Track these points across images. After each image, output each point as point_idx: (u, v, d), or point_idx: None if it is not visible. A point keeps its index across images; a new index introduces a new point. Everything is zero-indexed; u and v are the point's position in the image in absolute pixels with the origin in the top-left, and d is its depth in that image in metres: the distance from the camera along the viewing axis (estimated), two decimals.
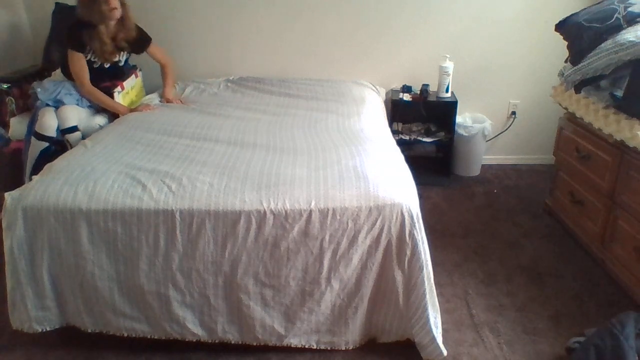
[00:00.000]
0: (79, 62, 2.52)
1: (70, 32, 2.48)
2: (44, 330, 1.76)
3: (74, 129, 2.47)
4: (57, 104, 2.50)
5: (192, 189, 1.67)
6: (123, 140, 2.11)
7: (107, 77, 2.67)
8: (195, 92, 2.93)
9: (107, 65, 2.62)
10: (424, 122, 3.24)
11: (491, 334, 1.86)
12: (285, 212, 1.61)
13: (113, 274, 1.68)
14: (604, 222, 2.17)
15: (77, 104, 2.57)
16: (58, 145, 2.48)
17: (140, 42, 2.71)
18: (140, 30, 2.69)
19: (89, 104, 2.61)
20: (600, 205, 2.20)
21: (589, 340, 1.61)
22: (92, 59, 2.57)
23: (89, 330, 1.77)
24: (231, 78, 3.08)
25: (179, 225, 1.62)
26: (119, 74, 2.74)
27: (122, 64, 2.72)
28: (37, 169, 2.28)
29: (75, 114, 2.50)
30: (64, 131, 2.45)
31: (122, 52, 2.66)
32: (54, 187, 1.69)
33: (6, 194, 1.68)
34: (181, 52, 3.15)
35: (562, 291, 2.11)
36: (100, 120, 2.61)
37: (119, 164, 1.85)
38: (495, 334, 1.86)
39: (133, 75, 2.90)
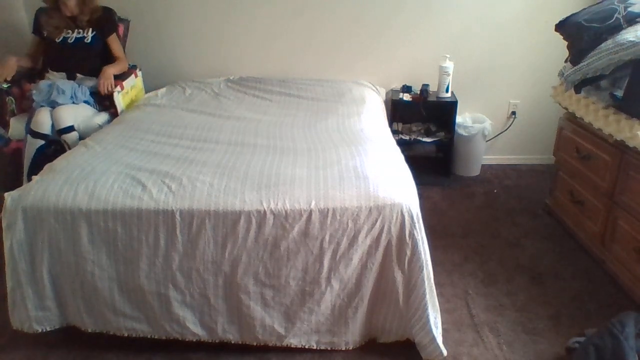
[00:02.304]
0: (32, 44, 2.77)
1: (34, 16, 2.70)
2: (44, 330, 1.76)
3: (70, 129, 2.46)
4: (52, 105, 2.50)
5: (192, 189, 1.67)
6: (123, 141, 2.11)
7: (73, 53, 2.68)
8: (195, 92, 2.93)
9: (70, 40, 2.67)
10: (424, 122, 3.23)
11: (491, 334, 1.86)
12: (285, 212, 1.61)
13: (113, 274, 1.68)
14: (604, 222, 2.17)
15: (73, 102, 2.56)
16: (57, 145, 2.47)
17: (105, 24, 2.74)
18: (109, 14, 2.76)
19: (84, 99, 2.62)
20: (600, 205, 2.20)
21: (589, 340, 1.61)
22: (49, 37, 2.66)
23: (89, 330, 1.77)
24: (231, 78, 3.08)
25: (179, 225, 1.62)
26: (87, 52, 2.72)
27: (88, 41, 2.70)
28: (35, 168, 2.27)
29: (71, 114, 2.49)
30: (60, 131, 2.45)
31: (86, 30, 2.69)
32: (54, 187, 1.69)
33: (6, 194, 1.68)
34: (181, 52, 3.16)
35: (562, 291, 2.11)
36: (100, 119, 2.60)
37: (119, 164, 1.85)
38: (495, 334, 1.86)
39: (133, 75, 2.89)
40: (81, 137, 2.42)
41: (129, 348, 1.78)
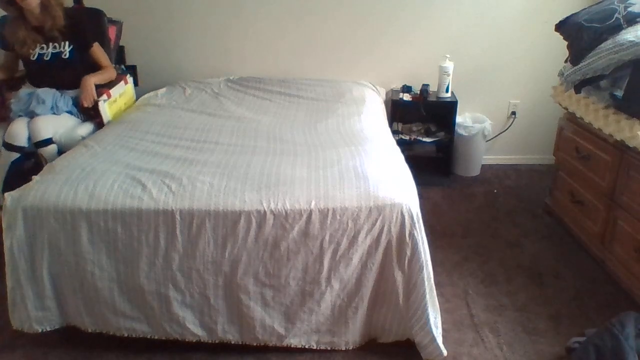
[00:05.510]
0: (5, 57, 2.54)
1: None
2: (44, 330, 1.76)
3: (48, 141, 2.26)
4: (31, 115, 2.31)
5: (192, 189, 1.67)
6: (123, 141, 2.11)
7: (52, 70, 2.46)
8: (195, 92, 2.93)
9: (47, 57, 2.44)
10: (424, 122, 3.23)
11: (491, 334, 1.86)
12: (285, 212, 1.61)
13: (113, 274, 1.68)
14: (604, 222, 2.17)
15: (53, 112, 2.36)
16: (34, 157, 2.29)
17: (82, 35, 2.51)
18: (84, 23, 2.53)
19: (66, 109, 2.42)
20: (600, 205, 2.20)
21: (589, 340, 1.61)
22: (24, 52, 2.43)
23: (89, 330, 1.77)
24: (231, 78, 3.08)
25: (179, 225, 1.62)
26: (67, 67, 2.48)
27: (67, 56, 2.46)
28: (12, 182, 2.06)
29: (50, 125, 2.30)
30: (37, 144, 2.25)
31: (61, 43, 2.46)
32: (54, 187, 1.69)
33: (6, 194, 1.69)
34: (181, 52, 3.15)
35: (562, 291, 2.11)
36: (84, 130, 2.38)
37: (119, 164, 1.85)
38: (495, 334, 1.86)
39: (122, 82, 2.71)
40: (62, 150, 2.22)
41: (129, 348, 1.78)
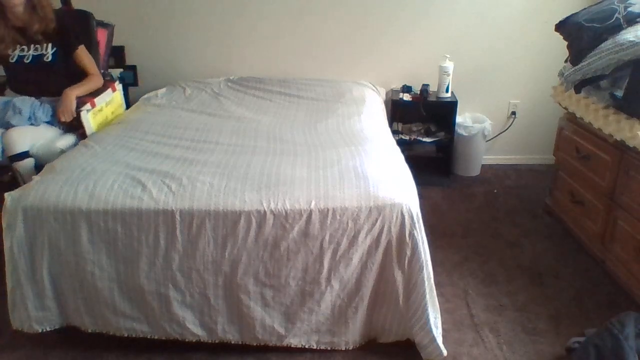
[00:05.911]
0: None
1: None
2: (44, 330, 1.76)
3: (23, 155, 2.09)
4: (6, 126, 2.16)
5: (192, 189, 1.68)
6: (123, 141, 2.11)
7: (33, 74, 2.34)
8: (195, 92, 2.93)
9: (27, 60, 2.30)
10: (424, 122, 3.23)
11: (491, 334, 1.86)
12: (285, 212, 1.61)
13: (113, 274, 1.68)
14: (604, 222, 2.17)
15: (31, 123, 2.20)
16: (11, 171, 2.16)
17: (67, 36, 2.37)
18: (69, 25, 2.38)
19: (45, 119, 2.25)
20: (600, 205, 2.20)
21: (589, 340, 1.61)
22: (1, 52, 2.29)
23: (89, 330, 1.77)
24: (231, 78, 3.08)
25: (179, 225, 1.62)
26: (50, 71, 2.35)
27: (49, 58, 2.32)
28: None
29: (27, 137, 2.13)
30: (12, 158, 2.08)
31: (44, 45, 2.32)
32: (54, 187, 1.69)
33: (6, 194, 1.68)
34: (181, 52, 3.15)
35: (562, 291, 2.11)
36: (64, 143, 2.22)
37: (119, 164, 1.85)
38: (495, 334, 1.86)
39: (109, 89, 2.54)
40: (40, 164, 2.07)
41: (129, 348, 1.78)
